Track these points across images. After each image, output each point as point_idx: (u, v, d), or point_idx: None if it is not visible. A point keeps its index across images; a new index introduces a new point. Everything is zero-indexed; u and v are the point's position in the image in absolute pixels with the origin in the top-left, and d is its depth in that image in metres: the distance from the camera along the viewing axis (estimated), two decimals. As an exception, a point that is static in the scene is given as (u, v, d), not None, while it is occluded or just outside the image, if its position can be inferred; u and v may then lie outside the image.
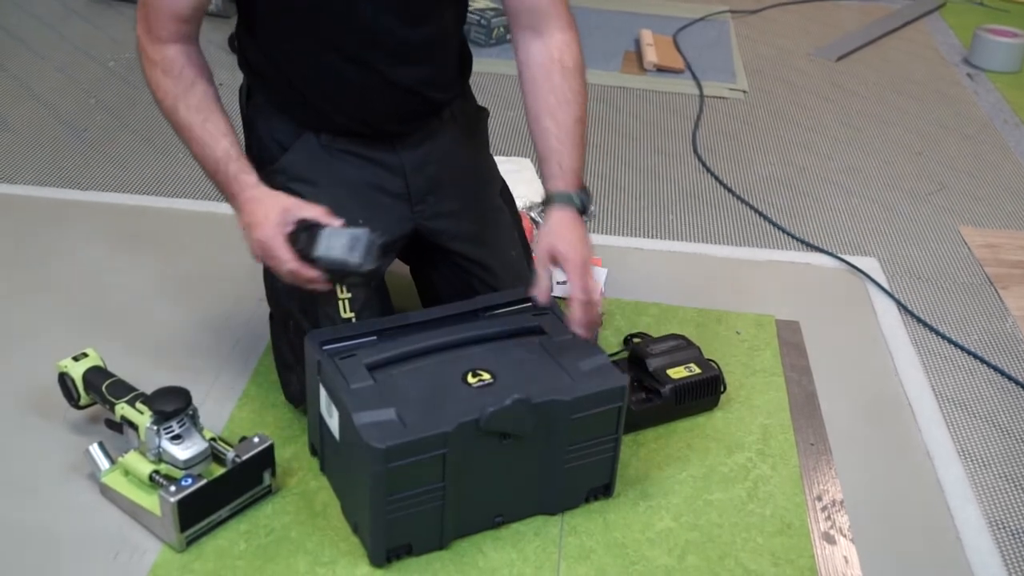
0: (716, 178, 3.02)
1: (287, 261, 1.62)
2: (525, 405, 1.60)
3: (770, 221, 2.82)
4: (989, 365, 2.29)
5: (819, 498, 1.87)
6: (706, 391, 2.03)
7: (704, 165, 3.09)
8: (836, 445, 2.00)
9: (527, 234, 2.27)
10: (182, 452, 1.65)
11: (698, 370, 2.03)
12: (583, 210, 1.82)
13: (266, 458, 1.71)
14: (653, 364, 2.02)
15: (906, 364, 2.27)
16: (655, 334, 2.16)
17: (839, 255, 2.66)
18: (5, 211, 2.63)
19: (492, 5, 3.81)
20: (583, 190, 1.83)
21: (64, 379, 1.83)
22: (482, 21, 3.77)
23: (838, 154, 3.23)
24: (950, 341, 2.37)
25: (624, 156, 3.10)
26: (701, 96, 3.52)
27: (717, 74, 3.70)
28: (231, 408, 1.97)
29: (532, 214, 2.55)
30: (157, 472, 1.66)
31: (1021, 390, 2.22)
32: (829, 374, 2.21)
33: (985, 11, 4.53)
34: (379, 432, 1.53)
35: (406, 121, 1.91)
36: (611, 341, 2.22)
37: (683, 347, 2.09)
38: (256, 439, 1.71)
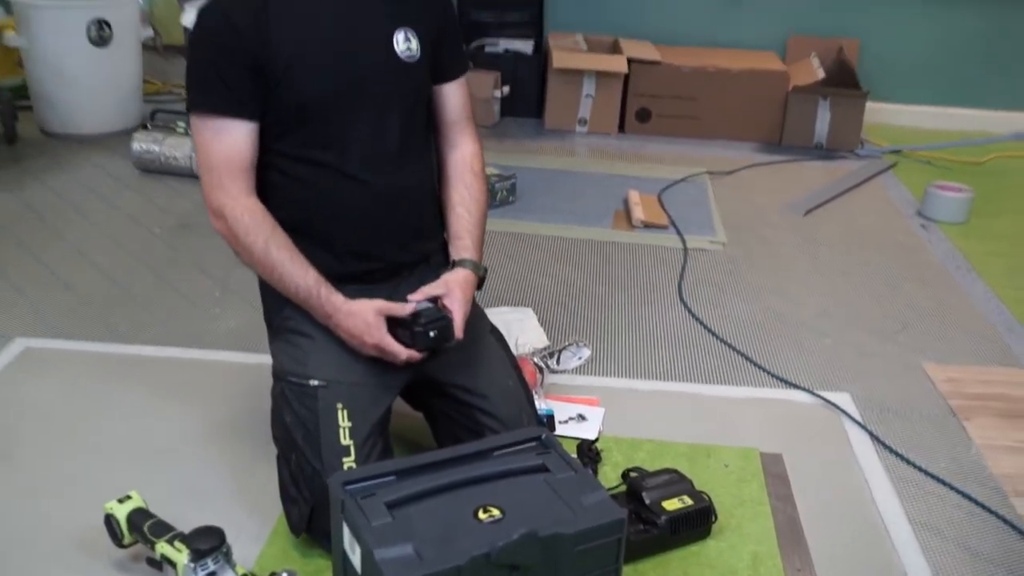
0: (701, 323, 3.03)
1: (402, 353, 1.87)
2: (532, 539, 1.57)
3: (751, 361, 2.81)
4: (957, 491, 2.26)
5: (807, 621, 1.82)
6: (699, 521, 2.01)
7: (690, 311, 3.10)
8: (821, 570, 1.97)
9: (531, 378, 2.27)
10: None
11: (691, 502, 2.01)
12: (480, 275, 2.05)
13: None
14: (649, 497, 2.00)
15: (881, 491, 2.24)
16: (650, 468, 2.15)
17: (815, 391, 2.65)
18: (62, 364, 2.64)
19: (496, 171, 3.88)
20: (481, 262, 2.07)
21: (110, 520, 1.81)
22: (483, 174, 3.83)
23: (810, 299, 3.24)
24: (920, 469, 2.34)
25: (617, 304, 3.11)
26: (684, 249, 3.56)
27: (698, 228, 3.74)
28: (261, 546, 1.94)
29: (535, 359, 2.55)
30: None
31: (988, 514, 2.19)
32: (811, 502, 2.18)
33: (933, 169, 4.61)
34: (398, 567, 1.51)
35: (396, 252, 2.02)
36: (610, 476, 2.20)
37: (676, 480, 2.07)
38: (284, 574, 1.69)
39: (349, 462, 1.84)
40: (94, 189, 3.89)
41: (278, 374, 1.97)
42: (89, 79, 4.38)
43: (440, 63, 2.04)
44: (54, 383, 2.55)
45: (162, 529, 1.76)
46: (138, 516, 1.80)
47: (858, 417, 2.55)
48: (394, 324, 1.90)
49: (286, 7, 1.85)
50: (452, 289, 1.95)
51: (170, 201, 3.80)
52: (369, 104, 1.92)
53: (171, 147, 4.01)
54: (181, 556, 1.67)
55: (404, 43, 1.93)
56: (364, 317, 1.86)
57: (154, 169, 4.06)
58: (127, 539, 1.81)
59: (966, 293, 3.34)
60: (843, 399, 2.63)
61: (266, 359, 2.06)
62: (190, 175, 3.99)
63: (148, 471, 2.18)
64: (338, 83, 1.89)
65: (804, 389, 2.67)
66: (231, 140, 1.85)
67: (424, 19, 1.98)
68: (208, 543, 1.68)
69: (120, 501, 1.83)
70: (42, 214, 3.62)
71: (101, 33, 4.33)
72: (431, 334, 1.88)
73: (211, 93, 1.85)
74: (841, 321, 3.10)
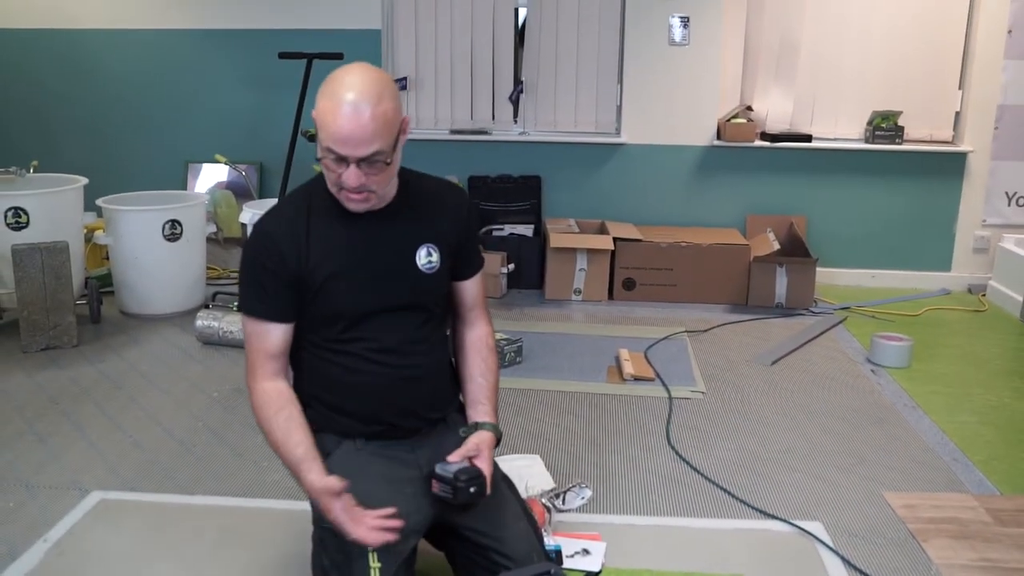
0: (687, 463, 2.97)
1: (352, 532, 1.78)
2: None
3: (733, 496, 2.74)
4: (924, 610, 2.16)
5: None
6: (694, 644, 1.91)
7: (677, 453, 3.04)
8: None
9: (540, 518, 2.20)
10: None
11: (686, 627, 1.91)
12: (498, 436, 2.02)
13: None
14: (649, 623, 1.90)
15: (856, 612, 2.14)
16: (648, 596, 2.06)
17: (790, 520, 2.57)
18: (132, 514, 2.58)
19: (505, 336, 3.87)
20: (498, 424, 2.04)
21: None
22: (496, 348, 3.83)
23: (779, 438, 3.18)
24: (889, 590, 2.24)
25: (612, 448, 3.06)
26: (670, 398, 3.52)
27: (681, 380, 3.71)
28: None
29: (543, 500, 2.49)
30: None
31: (953, 630, 2.08)
32: (794, 624, 2.08)
33: (877, 322, 4.61)
34: None
35: (414, 420, 1.99)
36: (613, 604, 2.11)
37: (672, 607, 1.98)
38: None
39: None
40: (163, 360, 3.89)
41: (316, 521, 1.92)
42: (162, 268, 4.45)
43: (459, 265, 2.05)
44: (124, 532, 2.49)
45: None
46: None
47: (830, 543, 2.46)
48: (436, 479, 1.89)
49: (323, 236, 1.88)
50: (482, 451, 1.94)
51: (227, 369, 3.79)
52: (393, 311, 1.94)
53: (229, 323, 4.04)
54: None
55: (426, 257, 1.95)
56: (321, 498, 1.80)
57: (214, 342, 4.07)
58: None
59: (914, 428, 3.27)
60: (816, 527, 2.54)
61: (305, 506, 2.01)
62: (244, 347, 4.00)
63: (204, 611, 2.09)
64: (367, 297, 1.91)
65: (781, 519, 2.59)
66: (267, 338, 1.91)
67: (446, 234, 1.98)
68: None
69: None
70: (118, 382, 3.61)
71: (173, 231, 4.41)
72: (471, 490, 1.87)
73: (255, 301, 1.90)
74: (807, 457, 3.04)
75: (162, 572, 2.28)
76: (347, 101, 1.70)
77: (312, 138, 4.43)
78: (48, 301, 3.94)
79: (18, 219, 4.13)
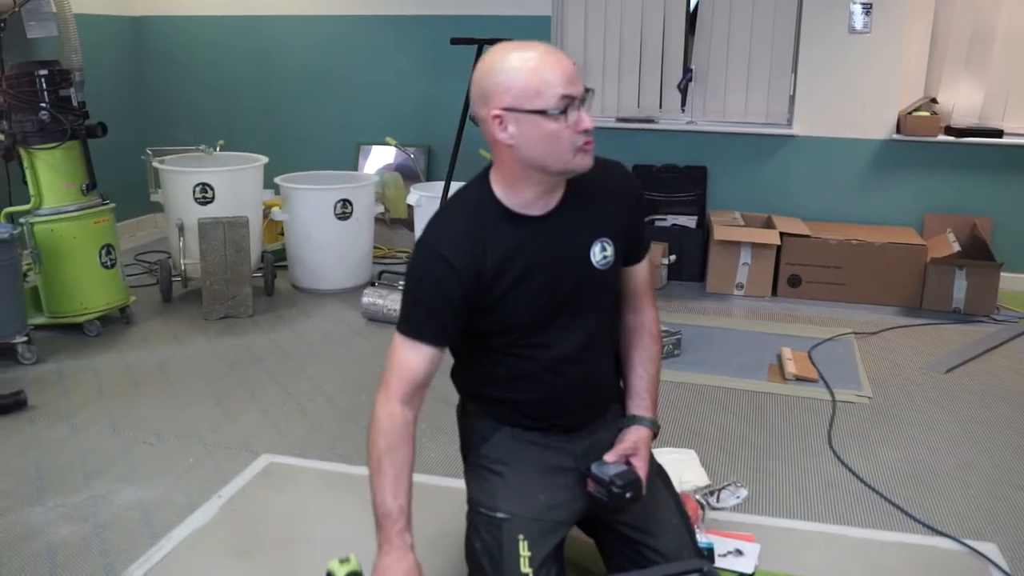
0: (849, 469, 2.85)
1: None
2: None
3: (898, 508, 2.61)
4: (1111, 647, 2.00)
5: None
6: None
7: (839, 458, 2.93)
8: None
9: (693, 514, 2.17)
10: None
11: (844, 639, 1.84)
12: (655, 431, 1.96)
13: None
14: (804, 632, 1.85)
15: (1032, 642, 2.01)
16: (804, 604, 2.00)
17: (961, 540, 2.43)
18: (298, 478, 2.71)
19: (664, 328, 3.82)
20: (656, 418, 1.98)
21: None
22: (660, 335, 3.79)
23: (953, 451, 3.01)
24: (1071, 622, 2.09)
25: (771, 450, 2.98)
26: (833, 401, 3.39)
27: (845, 383, 3.57)
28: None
29: (697, 496, 2.45)
30: None
31: None
32: (961, 648, 1.97)
33: (1070, 334, 4.28)
34: None
35: (579, 418, 1.95)
36: (766, 608, 2.05)
37: (829, 617, 1.91)
38: None
39: None
40: (330, 334, 4.06)
41: (470, 503, 1.95)
42: (332, 246, 4.64)
43: (630, 252, 1.95)
44: (291, 494, 2.62)
45: None
46: None
47: (1005, 567, 2.31)
48: (592, 479, 1.86)
49: (500, 251, 1.76)
50: (639, 449, 1.89)
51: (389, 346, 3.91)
52: (568, 314, 1.85)
53: (393, 301, 4.17)
54: None
55: (600, 253, 1.85)
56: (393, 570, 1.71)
57: (378, 319, 4.21)
58: None
59: (1108, 452, 3.03)
60: (990, 549, 2.39)
61: (462, 484, 2.05)
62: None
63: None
64: (544, 307, 1.82)
65: (951, 537, 2.45)
66: (417, 359, 1.78)
67: (618, 223, 1.88)
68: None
69: (340, 561, 1.74)
70: (288, 352, 3.80)
71: (344, 210, 4.59)
72: (627, 495, 1.84)
73: (417, 323, 1.78)
74: (985, 473, 2.86)
75: (325, 537, 2.38)
76: (543, 51, 1.65)
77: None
78: (228, 272, 4.18)
79: (205, 194, 4.40)
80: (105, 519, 2.49)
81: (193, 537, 2.38)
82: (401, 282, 4.32)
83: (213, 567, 2.25)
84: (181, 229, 4.41)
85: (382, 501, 1.73)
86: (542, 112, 1.64)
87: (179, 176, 4.44)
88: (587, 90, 1.68)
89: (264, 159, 4.73)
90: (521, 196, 1.77)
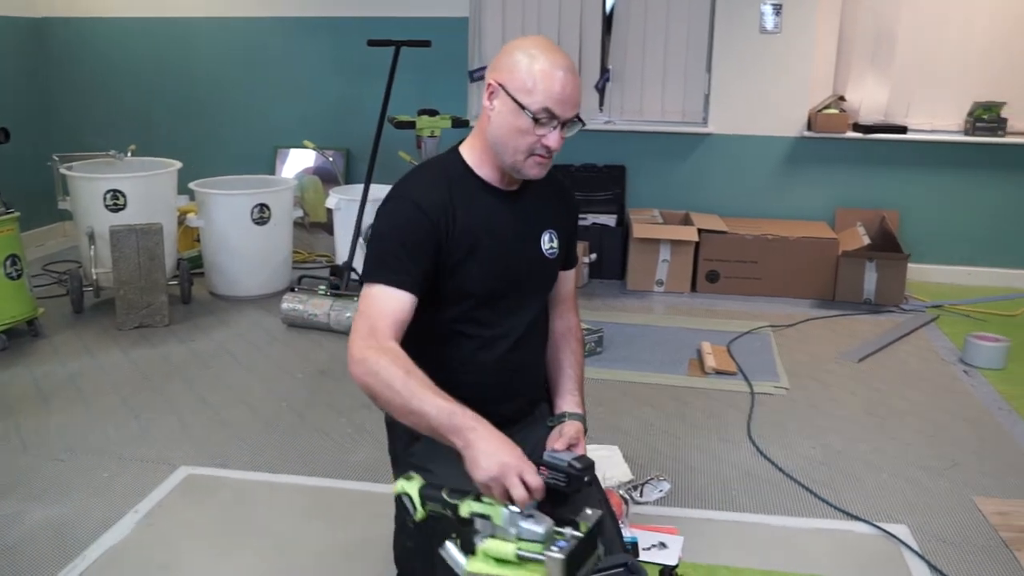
0: (768, 459, 2.92)
1: (530, 494, 1.56)
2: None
3: (815, 495, 2.69)
4: (1015, 620, 2.09)
5: None
6: (772, 644, 1.88)
7: (758, 448, 2.99)
8: None
9: (617, 509, 2.20)
10: (539, 527, 1.51)
11: (764, 625, 1.89)
12: (585, 426, 1.96)
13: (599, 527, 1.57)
14: (726, 620, 1.88)
15: (942, 619, 2.08)
16: (726, 593, 2.03)
17: (875, 523, 2.51)
18: (218, 490, 2.66)
19: (586, 326, 3.86)
20: (584, 414, 1.99)
21: (401, 498, 1.66)
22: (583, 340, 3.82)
23: (866, 438, 3.11)
24: (978, 599, 2.17)
25: (693, 443, 3.03)
26: (752, 393, 3.46)
27: (763, 375, 3.65)
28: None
29: (621, 492, 2.48)
30: (521, 549, 1.51)
31: (1047, 644, 2.01)
32: (876, 628, 2.03)
33: (971, 321, 4.45)
34: None
35: (516, 409, 1.96)
36: (690, 599, 2.09)
37: (750, 605, 1.95)
38: (588, 511, 1.55)
39: None
40: (250, 341, 3.99)
41: (401, 503, 1.94)
42: (250, 251, 4.56)
43: (566, 255, 2.05)
44: (210, 507, 2.57)
45: (461, 493, 1.61)
46: (429, 489, 1.64)
47: (916, 547, 2.39)
48: (546, 467, 1.84)
49: (467, 205, 1.84)
50: (579, 440, 1.92)
51: (311, 351, 3.87)
52: (517, 293, 1.92)
53: (313, 306, 4.12)
54: (498, 507, 1.54)
55: (549, 242, 1.95)
56: (505, 438, 1.65)
57: (299, 324, 4.16)
58: (420, 513, 1.64)
59: (1009, 432, 3.16)
60: (901, 531, 2.48)
61: (388, 488, 2.04)
62: (328, 330, 4.08)
63: (285, 586, 2.15)
64: (500, 279, 1.87)
65: (865, 521, 2.53)
66: (392, 303, 1.76)
67: (563, 222, 2.00)
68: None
69: (407, 479, 1.66)
70: (207, 361, 3.72)
71: (262, 215, 4.52)
72: (585, 479, 1.84)
73: (396, 270, 1.77)
74: (895, 457, 2.96)
75: (246, 547, 2.34)
76: (564, 67, 1.74)
77: (399, 125, 4.48)
78: (142, 281, 4.08)
79: (116, 201, 4.28)
80: (14, 541, 2.40)
81: (108, 555, 2.32)
82: (322, 287, 4.27)
83: (131, 584, 2.20)
84: (92, 237, 4.29)
85: (438, 405, 1.65)
86: (522, 107, 1.74)
87: (88, 183, 4.31)
88: (577, 118, 1.78)
89: (178, 164, 4.63)
90: (487, 167, 1.87)
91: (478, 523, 1.60)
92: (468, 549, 1.61)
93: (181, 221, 4.76)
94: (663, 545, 2.32)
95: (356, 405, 3.26)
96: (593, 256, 4.96)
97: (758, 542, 2.42)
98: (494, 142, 1.80)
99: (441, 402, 1.67)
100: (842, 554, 2.36)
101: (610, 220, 5.18)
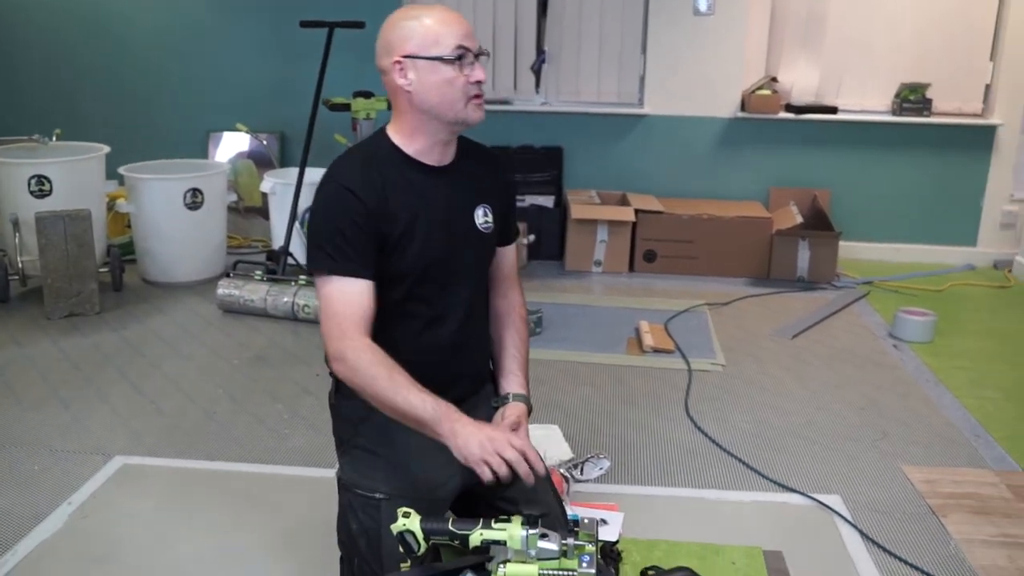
0: (706, 434, 2.97)
1: (528, 468, 1.69)
2: (562, 633, 1.51)
3: (751, 468, 2.74)
4: (942, 583, 2.17)
5: None
6: (710, 614, 1.92)
7: (696, 424, 3.04)
8: (822, 658, 1.87)
9: (559, 488, 2.21)
10: (553, 544, 1.56)
11: (702, 596, 1.92)
12: (530, 407, 1.98)
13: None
14: (666, 593, 1.92)
15: (873, 585, 2.15)
16: (666, 567, 2.07)
17: (809, 494, 2.58)
18: (154, 479, 2.62)
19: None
20: (528, 394, 2.01)
21: (404, 536, 1.64)
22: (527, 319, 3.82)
23: (800, 411, 3.18)
24: (907, 563, 2.25)
25: (632, 420, 3.07)
26: (689, 370, 3.52)
27: (700, 352, 3.71)
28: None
29: (562, 470, 2.50)
30: (542, 568, 1.55)
31: (971, 605, 2.09)
32: (810, 595, 2.09)
33: (900, 296, 4.58)
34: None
35: (460, 390, 1.95)
36: (630, 574, 2.12)
37: (689, 577, 1.99)
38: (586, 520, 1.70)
39: (405, 567, 1.78)
40: (184, 328, 3.92)
41: (346, 485, 1.93)
42: (183, 237, 4.47)
43: (503, 232, 2.05)
44: (147, 496, 2.53)
45: (468, 523, 1.62)
46: (430, 523, 1.65)
47: (849, 516, 2.46)
48: None
49: (398, 185, 1.85)
50: (522, 423, 1.93)
51: (248, 337, 3.82)
52: (455, 270, 1.92)
53: (249, 292, 4.06)
54: (515, 528, 1.56)
55: (483, 217, 1.96)
56: (490, 424, 1.78)
57: (235, 310, 4.10)
58: (423, 548, 1.64)
59: (936, 403, 3.26)
60: (834, 500, 2.55)
61: (327, 473, 2.03)
62: (264, 315, 4.03)
63: (229, 573, 2.13)
64: (436, 253, 1.88)
65: (799, 492, 2.59)
66: (354, 296, 1.80)
67: (497, 197, 2.01)
68: (538, 510, 1.63)
69: (404, 515, 1.65)
70: (140, 349, 3.65)
71: (195, 199, 4.43)
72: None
73: (337, 257, 1.80)
74: (827, 430, 3.03)
75: (184, 536, 2.31)
76: (445, 10, 1.83)
77: (334, 107, 4.43)
78: (71, 268, 3.98)
79: (41, 187, 4.16)
80: (-58, 535, 2.33)
81: (41, 549, 2.27)
82: (257, 272, 4.22)
83: (65, 577, 2.15)
84: (16, 224, 4.16)
85: (421, 404, 1.73)
86: (439, 59, 1.78)
87: (11, 168, 4.18)
88: (483, 50, 1.85)
89: (106, 148, 4.51)
90: (417, 143, 1.87)
91: (493, 549, 1.61)
92: None
93: (111, 207, 4.65)
94: (603, 522, 2.34)
95: (294, 391, 3.23)
96: (532, 237, 4.97)
97: (696, 516, 2.46)
98: (429, 109, 1.82)
99: (424, 397, 1.75)
100: (777, 525, 2.42)
101: (548, 201, 5.20)
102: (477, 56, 1.83)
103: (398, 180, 1.85)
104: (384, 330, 1.90)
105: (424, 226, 1.86)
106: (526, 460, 1.69)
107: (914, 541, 2.36)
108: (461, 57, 1.80)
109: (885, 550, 2.30)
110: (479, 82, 1.84)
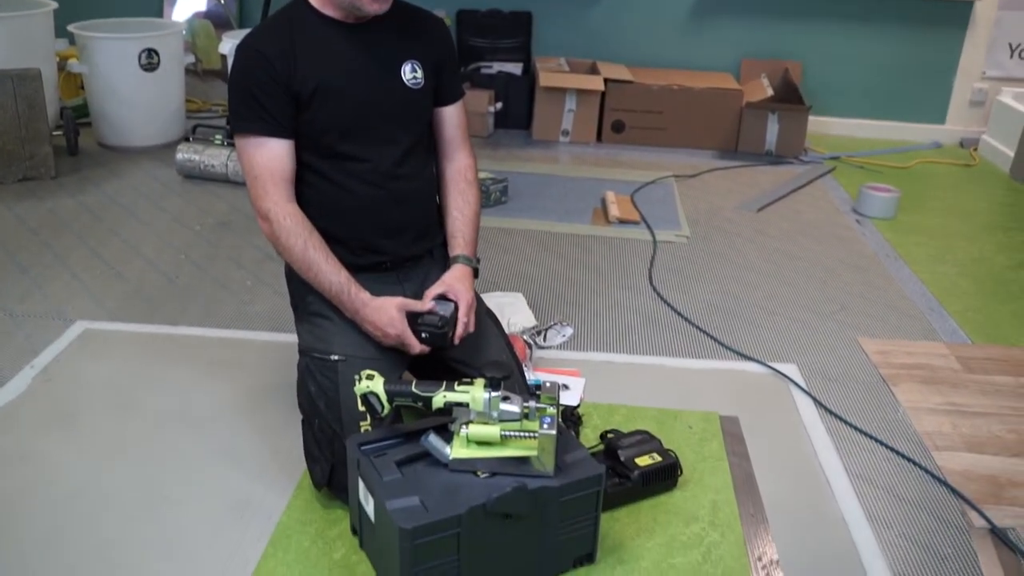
0: (668, 304, 3.01)
1: (415, 347, 1.89)
2: (523, 491, 1.57)
3: (712, 337, 2.80)
4: (887, 447, 2.25)
5: (759, 559, 1.82)
6: (667, 475, 2.00)
7: (659, 295, 3.08)
8: (771, 515, 1.96)
9: (521, 354, 2.25)
10: (515, 407, 1.62)
11: (660, 458, 2.00)
12: (475, 269, 2.04)
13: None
14: (624, 455, 1.99)
15: (823, 448, 2.24)
16: (624, 430, 2.13)
17: (766, 363, 2.64)
18: (117, 344, 2.62)
19: (491, 176, 3.85)
20: (476, 257, 2.06)
21: (368, 398, 1.70)
22: (482, 188, 3.80)
23: (762, 284, 3.23)
24: (856, 428, 2.33)
25: (596, 289, 3.09)
26: (654, 241, 3.54)
27: (666, 224, 3.72)
28: (288, 498, 1.93)
29: (525, 337, 2.53)
30: (504, 430, 1.61)
31: (913, 466, 2.18)
32: (764, 458, 2.17)
33: (866, 173, 4.59)
34: (406, 515, 1.50)
35: (404, 246, 2.03)
36: (590, 437, 2.18)
37: (647, 440, 2.06)
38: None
39: (365, 426, 1.83)
40: (144, 193, 3.85)
41: (303, 350, 1.96)
42: (140, 99, 4.34)
43: (440, 90, 2.06)
44: (110, 360, 2.53)
45: (431, 385, 1.67)
46: (393, 385, 1.70)
47: (803, 385, 2.53)
48: (411, 321, 1.91)
49: (309, 45, 1.88)
50: (451, 285, 1.96)
51: (209, 203, 3.76)
52: (382, 124, 1.95)
53: (210, 156, 3.98)
54: (477, 391, 1.62)
55: (411, 73, 1.97)
56: (388, 312, 1.88)
57: (195, 175, 4.02)
58: (387, 409, 1.69)
59: (894, 278, 3.32)
60: (791, 369, 2.61)
61: (290, 338, 2.05)
62: (226, 181, 3.96)
63: (191, 435, 2.16)
64: (356, 109, 1.91)
65: (757, 361, 2.66)
66: (272, 155, 1.88)
67: (428, 53, 2.01)
68: (500, 372, 1.65)
69: (369, 378, 1.70)
70: (98, 215, 3.59)
71: (150, 60, 4.28)
72: (448, 334, 1.91)
73: (251, 118, 1.87)
74: (787, 301, 3.09)
75: (149, 399, 2.33)
76: None
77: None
78: (23, 131, 3.86)
79: (-13, 43, 3.99)
80: (-97, 397, 2.33)
81: (5, 410, 2.28)
82: (218, 136, 4.12)
83: (33, 436, 2.17)
84: (-37, 83, 4.00)
85: (329, 283, 1.88)
86: None
87: (-46, 23, 4.00)
88: None
89: (53, 4, 4.32)
90: (332, 6, 1.90)
91: (456, 411, 1.64)
92: (446, 439, 1.66)
93: (62, 67, 4.48)
94: (565, 387, 2.40)
95: (258, 257, 3.21)
96: (499, 105, 4.89)
97: (655, 382, 2.52)
98: None
99: (334, 278, 1.87)
100: (734, 392, 2.49)
101: (516, 69, 5.08)
102: None
103: (312, 41, 1.88)
104: (314, 189, 1.95)
105: (339, 82, 1.89)
106: (424, 336, 1.88)
107: (864, 408, 2.44)
108: None
109: (836, 415, 2.39)
110: None
